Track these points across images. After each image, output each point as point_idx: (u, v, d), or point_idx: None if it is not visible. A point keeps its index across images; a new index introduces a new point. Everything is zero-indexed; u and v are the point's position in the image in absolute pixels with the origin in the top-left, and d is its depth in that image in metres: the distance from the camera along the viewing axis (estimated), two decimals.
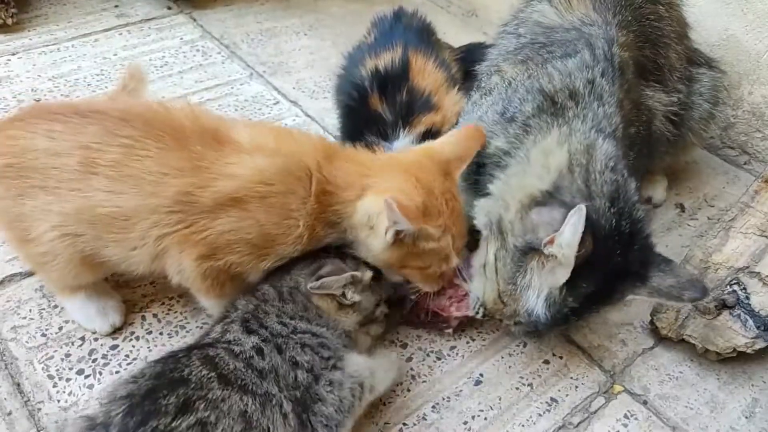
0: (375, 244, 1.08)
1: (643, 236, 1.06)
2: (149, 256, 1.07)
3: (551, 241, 0.99)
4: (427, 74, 1.49)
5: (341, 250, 1.15)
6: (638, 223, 1.04)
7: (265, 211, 1.04)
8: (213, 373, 0.90)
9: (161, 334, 1.24)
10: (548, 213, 1.02)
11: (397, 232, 1.04)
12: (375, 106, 1.45)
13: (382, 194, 1.02)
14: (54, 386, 1.13)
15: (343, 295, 1.10)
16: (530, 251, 1.03)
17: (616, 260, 0.99)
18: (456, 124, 1.40)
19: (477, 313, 1.17)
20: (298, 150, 1.08)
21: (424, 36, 1.60)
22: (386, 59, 1.49)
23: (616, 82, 1.20)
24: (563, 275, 1.00)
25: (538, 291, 1.04)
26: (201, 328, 1.25)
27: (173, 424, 0.83)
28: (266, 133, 1.11)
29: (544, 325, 1.07)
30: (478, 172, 1.23)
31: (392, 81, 1.46)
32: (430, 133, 1.41)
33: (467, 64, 1.69)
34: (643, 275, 1.05)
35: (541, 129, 1.14)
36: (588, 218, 0.95)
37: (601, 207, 1.01)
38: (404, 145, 1.37)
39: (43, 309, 1.26)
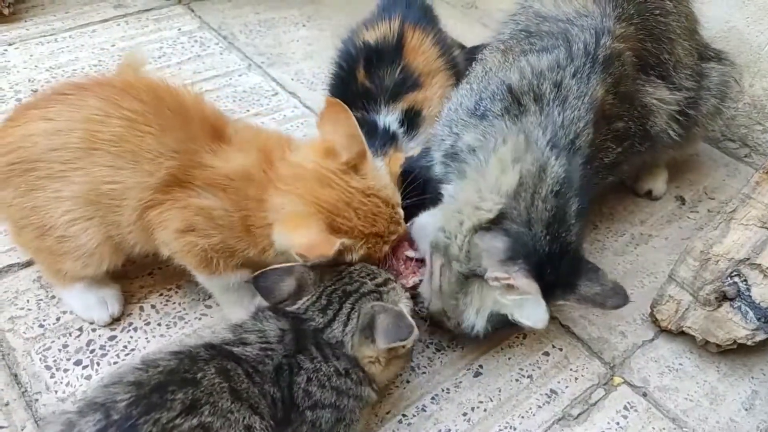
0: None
1: (572, 252, 1.11)
2: (143, 235, 1.08)
3: (498, 279, 1.05)
4: (421, 53, 1.48)
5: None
6: (568, 244, 1.10)
7: (229, 203, 1.04)
8: (226, 384, 0.88)
9: (159, 324, 1.23)
10: (490, 240, 1.08)
11: None
12: (361, 79, 1.45)
13: (290, 228, 1.01)
14: (51, 377, 1.13)
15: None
16: (473, 276, 1.09)
17: (548, 277, 1.07)
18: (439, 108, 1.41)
19: (422, 313, 1.21)
20: (261, 153, 1.07)
21: (425, 12, 1.59)
22: (382, 30, 1.48)
23: (592, 79, 1.20)
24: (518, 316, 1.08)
25: (479, 310, 1.11)
26: (200, 319, 1.25)
27: (176, 421, 0.82)
28: (249, 131, 1.13)
29: (485, 335, 1.15)
30: (455, 159, 1.24)
31: (381, 55, 1.45)
32: (412, 111, 1.42)
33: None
34: (573, 284, 1.11)
35: (503, 132, 1.16)
36: (525, 246, 1.06)
37: (537, 233, 1.07)
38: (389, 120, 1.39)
39: (41, 300, 1.25)
